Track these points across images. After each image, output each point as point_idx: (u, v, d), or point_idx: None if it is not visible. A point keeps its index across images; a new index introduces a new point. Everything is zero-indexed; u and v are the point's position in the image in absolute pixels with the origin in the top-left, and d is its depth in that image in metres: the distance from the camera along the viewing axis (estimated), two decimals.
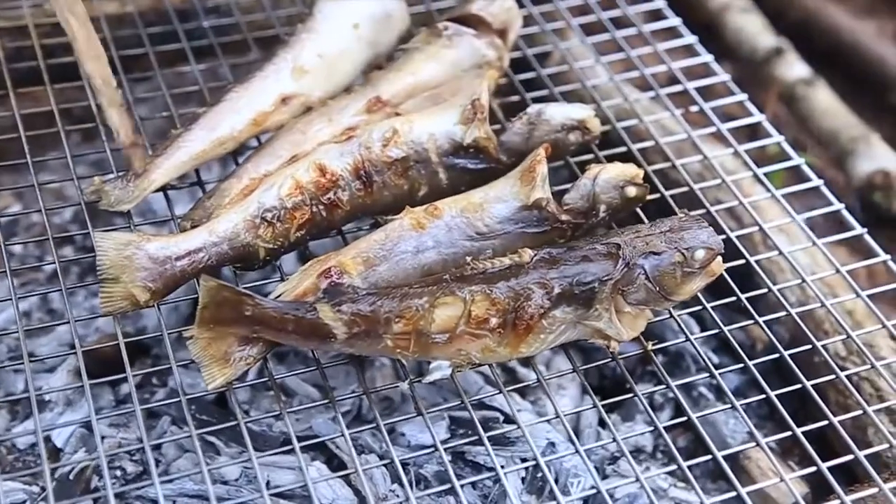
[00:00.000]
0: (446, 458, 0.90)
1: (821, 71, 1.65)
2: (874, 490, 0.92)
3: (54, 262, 1.00)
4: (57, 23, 1.23)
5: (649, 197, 1.05)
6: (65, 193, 1.33)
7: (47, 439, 1.05)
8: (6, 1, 1.29)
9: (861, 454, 0.92)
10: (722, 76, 1.29)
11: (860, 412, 0.97)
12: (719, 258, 0.95)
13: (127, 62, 1.22)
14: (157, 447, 1.05)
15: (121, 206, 1.02)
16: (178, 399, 0.91)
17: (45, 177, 1.28)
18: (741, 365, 0.99)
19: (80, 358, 0.93)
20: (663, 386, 0.99)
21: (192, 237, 0.95)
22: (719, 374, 0.98)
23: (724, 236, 1.06)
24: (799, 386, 0.98)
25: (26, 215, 1.31)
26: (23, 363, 0.92)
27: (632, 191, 1.02)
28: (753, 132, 1.29)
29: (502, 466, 0.94)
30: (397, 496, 0.99)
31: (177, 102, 1.19)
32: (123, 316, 0.96)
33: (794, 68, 1.64)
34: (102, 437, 1.04)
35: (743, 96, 1.26)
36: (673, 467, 0.92)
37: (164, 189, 1.06)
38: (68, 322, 0.95)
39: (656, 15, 1.38)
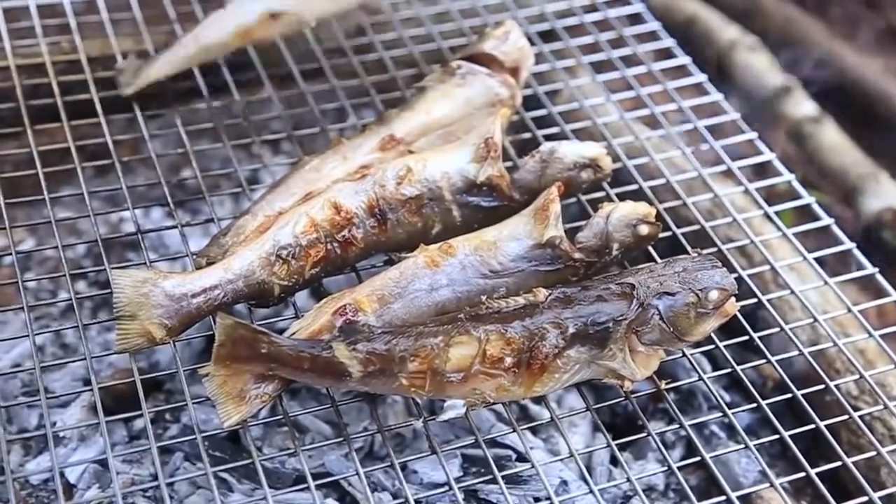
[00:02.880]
0: (460, 496, 0.90)
1: (828, 108, 1.66)
2: None
3: (70, 298, 1.01)
4: (73, 60, 1.26)
5: (661, 235, 1.05)
6: (78, 228, 1.34)
7: (60, 475, 1.05)
8: (23, 39, 1.30)
9: (875, 495, 0.92)
10: (731, 114, 1.30)
11: (873, 453, 0.98)
12: (733, 299, 0.96)
13: (142, 99, 1.23)
14: (170, 484, 1.05)
15: (125, 90, 1.21)
16: (192, 436, 0.91)
17: (60, 212, 1.29)
18: (754, 404, 1.00)
19: (96, 394, 0.93)
20: (676, 425, 0.99)
21: (207, 274, 0.96)
22: (732, 413, 0.99)
23: (735, 275, 1.07)
24: (812, 426, 0.98)
25: (39, 251, 1.32)
26: (35, 398, 0.92)
27: (644, 229, 1.02)
28: (763, 170, 1.30)
29: None
30: None
31: (191, 138, 1.21)
32: (139, 351, 0.96)
33: (801, 106, 1.65)
34: (116, 474, 1.04)
35: (753, 134, 1.27)
36: None
37: (178, 226, 1.07)
38: (84, 358, 0.96)
39: (666, 53, 1.39)
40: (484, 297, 0.95)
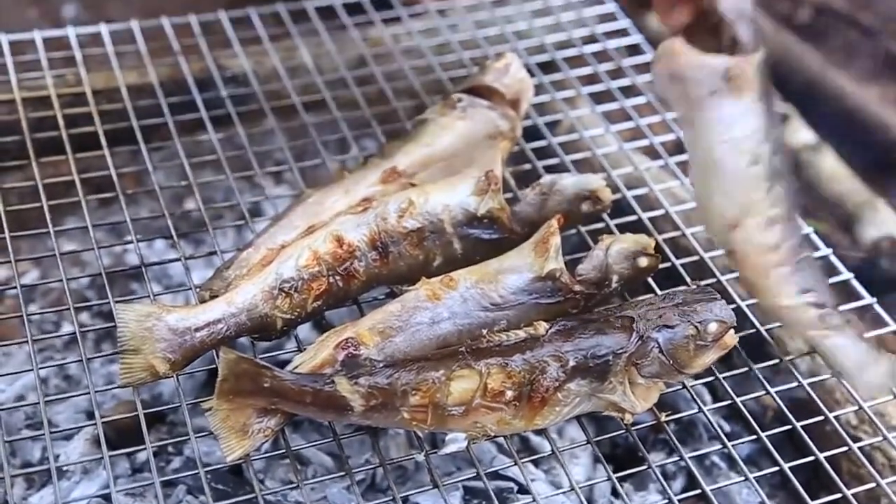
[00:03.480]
0: None
1: (826, 137, 1.67)
2: None
3: (74, 331, 1.02)
4: (78, 93, 1.27)
5: (660, 266, 1.06)
6: (82, 260, 1.35)
7: None
8: (29, 72, 1.31)
9: None
10: None
11: (874, 484, 0.98)
12: (732, 331, 0.97)
13: (146, 132, 1.25)
14: None
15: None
16: (195, 470, 0.92)
17: (64, 244, 1.30)
18: (754, 436, 1.00)
19: (99, 428, 0.94)
20: (677, 457, 0.99)
21: (211, 308, 0.96)
22: (732, 445, 0.99)
23: (734, 305, 1.08)
24: (812, 458, 0.98)
25: (43, 283, 1.32)
26: (39, 432, 0.93)
27: (644, 261, 1.03)
28: None
29: None
30: None
31: (194, 170, 1.22)
32: (143, 384, 0.97)
33: (799, 134, 1.66)
34: None
35: None
36: None
37: (182, 258, 1.08)
38: (88, 392, 0.96)
39: None
40: (485, 331, 0.96)
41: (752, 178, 0.96)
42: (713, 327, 0.95)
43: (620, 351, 0.93)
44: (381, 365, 0.91)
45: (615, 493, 1.11)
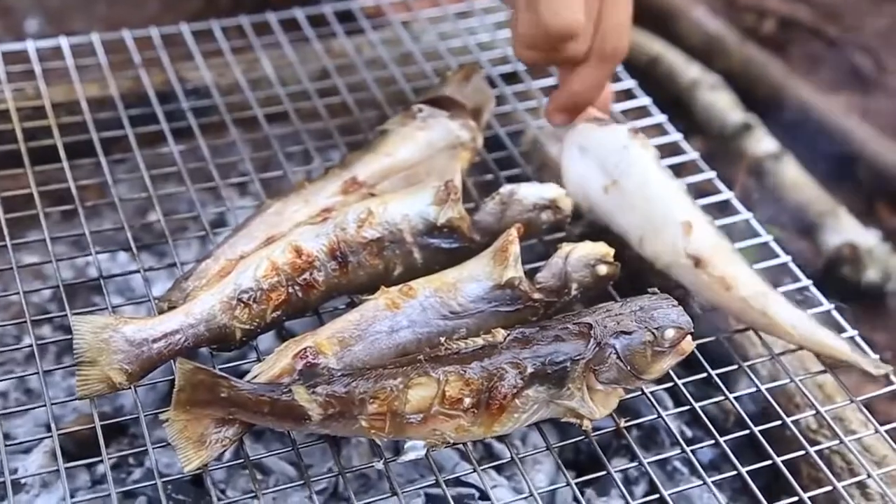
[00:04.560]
0: None
1: (789, 146, 1.69)
2: None
3: (31, 345, 1.01)
4: (37, 106, 1.26)
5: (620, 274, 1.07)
6: (45, 273, 1.34)
7: None
8: None
9: None
10: (691, 154, 1.32)
11: (830, 488, 0.99)
12: (689, 337, 0.97)
13: (107, 144, 1.24)
14: None
15: None
16: (154, 481, 0.92)
17: (26, 257, 1.30)
18: (714, 441, 1.01)
19: (55, 441, 0.93)
20: (636, 463, 1.00)
21: (168, 320, 0.96)
22: (692, 449, 1.00)
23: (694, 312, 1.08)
24: (769, 462, 0.99)
25: (3, 296, 1.32)
26: None
27: (603, 269, 1.04)
28: (723, 208, 1.32)
29: None
30: None
31: (157, 182, 1.21)
32: (101, 396, 0.96)
33: (762, 143, 1.68)
34: None
35: (711, 174, 1.29)
36: None
37: (141, 270, 1.08)
38: (44, 405, 0.96)
39: (627, 94, 1.41)
40: (443, 339, 0.96)
41: (683, 191, 1.13)
42: (670, 333, 0.96)
43: (578, 357, 0.94)
44: (339, 374, 0.91)
45: (577, 499, 1.11)
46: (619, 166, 1.12)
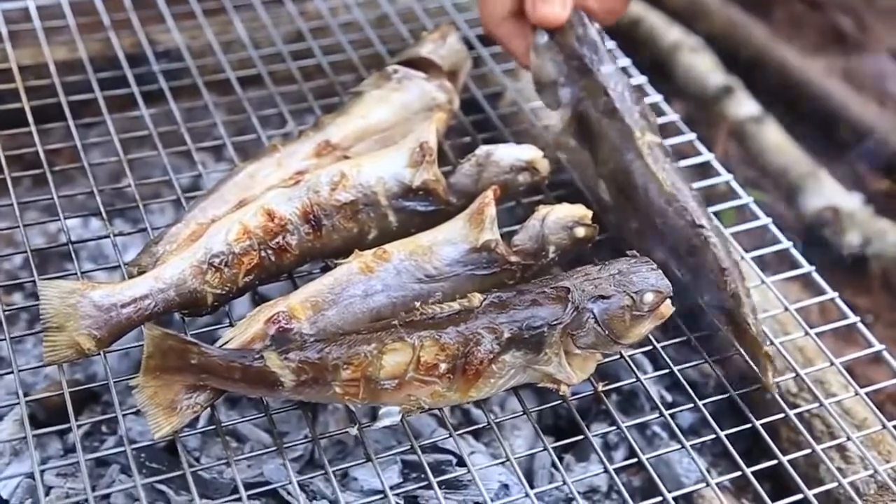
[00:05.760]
0: (392, 502, 0.89)
1: (770, 108, 1.67)
2: None
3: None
4: (4, 69, 1.24)
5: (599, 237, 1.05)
6: (15, 239, 1.32)
7: None
8: None
9: (810, 493, 0.93)
10: (671, 116, 1.30)
11: (810, 450, 0.98)
12: (668, 301, 0.96)
13: (77, 108, 1.22)
14: (105, 496, 1.03)
15: None
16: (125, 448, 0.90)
17: None
18: (693, 405, 1.00)
19: (22, 408, 0.91)
20: (616, 427, 0.99)
21: (137, 284, 0.94)
22: (671, 413, 0.99)
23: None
24: (749, 426, 0.98)
25: None
26: None
27: (580, 231, 1.02)
28: (703, 171, 1.30)
29: None
30: None
31: (127, 147, 1.19)
32: (74, 363, 0.94)
33: (743, 106, 1.66)
34: (50, 488, 1.02)
35: (692, 136, 1.27)
36: None
37: (111, 235, 1.06)
38: (12, 372, 0.94)
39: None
40: (419, 303, 0.94)
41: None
42: (649, 297, 0.95)
43: (556, 322, 0.92)
44: (312, 339, 0.90)
45: (555, 464, 1.10)
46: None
